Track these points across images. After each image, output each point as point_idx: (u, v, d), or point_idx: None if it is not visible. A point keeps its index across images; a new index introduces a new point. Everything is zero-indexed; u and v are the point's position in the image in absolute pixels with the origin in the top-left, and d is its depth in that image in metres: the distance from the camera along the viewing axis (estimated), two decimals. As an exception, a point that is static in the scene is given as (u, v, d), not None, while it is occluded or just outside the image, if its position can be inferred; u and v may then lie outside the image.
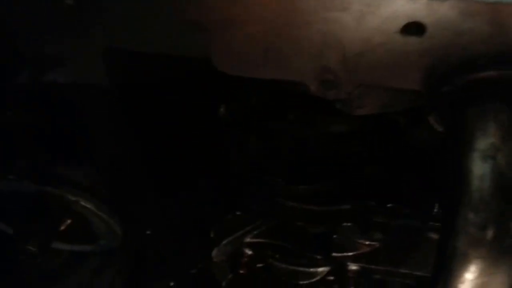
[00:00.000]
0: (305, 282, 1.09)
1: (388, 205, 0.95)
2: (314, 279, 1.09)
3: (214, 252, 1.02)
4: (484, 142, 0.58)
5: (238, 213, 0.95)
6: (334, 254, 1.05)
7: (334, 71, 0.64)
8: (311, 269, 1.08)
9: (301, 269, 1.08)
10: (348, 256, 1.05)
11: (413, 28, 0.59)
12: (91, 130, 0.83)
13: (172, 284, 1.02)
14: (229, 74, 0.66)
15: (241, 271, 1.08)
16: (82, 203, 0.86)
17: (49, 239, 0.89)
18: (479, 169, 0.57)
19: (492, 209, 0.56)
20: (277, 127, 0.81)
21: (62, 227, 0.90)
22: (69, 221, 0.90)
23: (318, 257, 1.06)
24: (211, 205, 0.92)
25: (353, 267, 1.08)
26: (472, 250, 0.55)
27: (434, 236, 1.02)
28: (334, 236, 1.03)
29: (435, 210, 0.92)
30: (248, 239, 1.04)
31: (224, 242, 1.02)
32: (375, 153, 0.88)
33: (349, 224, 1.00)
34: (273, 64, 0.65)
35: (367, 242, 1.03)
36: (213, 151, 0.83)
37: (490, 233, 0.55)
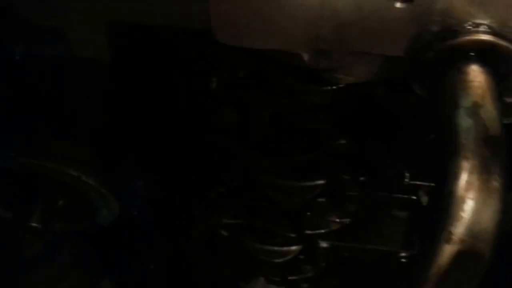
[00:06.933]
0: (280, 260, 1.12)
1: (361, 179, 1.00)
2: (288, 258, 1.12)
3: (193, 233, 1.04)
4: (467, 100, 0.66)
5: (221, 190, 0.97)
6: (307, 231, 1.09)
7: (328, 40, 0.69)
8: (285, 248, 1.12)
9: (276, 248, 1.11)
10: (320, 233, 1.09)
11: (404, -5, 0.65)
12: (87, 105, 0.84)
13: (152, 266, 1.03)
14: (223, 46, 0.69)
15: (219, 253, 1.10)
16: (84, 178, 0.86)
17: (52, 215, 0.88)
18: (466, 123, 0.65)
19: (479, 157, 0.63)
20: (262, 99, 0.83)
21: (62, 203, 0.89)
22: (68, 198, 0.89)
23: (292, 235, 1.10)
24: (194, 181, 0.94)
25: (323, 244, 1.12)
26: (465, 193, 0.62)
27: (401, 213, 1.08)
28: (307, 213, 1.07)
29: (406, 181, 0.98)
30: (225, 220, 1.07)
31: (203, 222, 1.04)
32: (350, 126, 0.91)
33: (322, 199, 1.04)
34: (272, 35, 0.68)
35: (337, 220, 1.08)
36: (203, 124, 0.85)
37: (479, 177, 0.62)
